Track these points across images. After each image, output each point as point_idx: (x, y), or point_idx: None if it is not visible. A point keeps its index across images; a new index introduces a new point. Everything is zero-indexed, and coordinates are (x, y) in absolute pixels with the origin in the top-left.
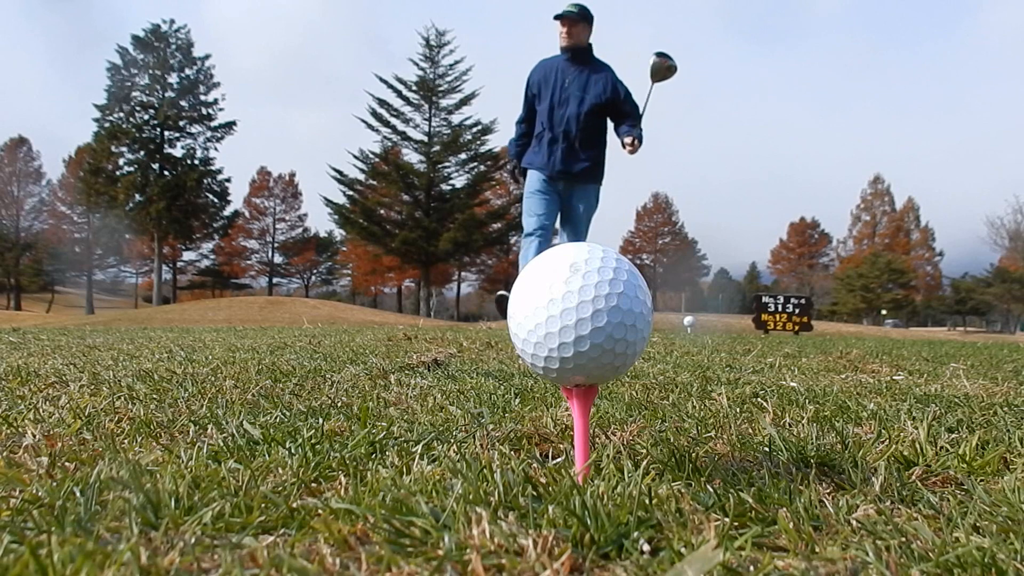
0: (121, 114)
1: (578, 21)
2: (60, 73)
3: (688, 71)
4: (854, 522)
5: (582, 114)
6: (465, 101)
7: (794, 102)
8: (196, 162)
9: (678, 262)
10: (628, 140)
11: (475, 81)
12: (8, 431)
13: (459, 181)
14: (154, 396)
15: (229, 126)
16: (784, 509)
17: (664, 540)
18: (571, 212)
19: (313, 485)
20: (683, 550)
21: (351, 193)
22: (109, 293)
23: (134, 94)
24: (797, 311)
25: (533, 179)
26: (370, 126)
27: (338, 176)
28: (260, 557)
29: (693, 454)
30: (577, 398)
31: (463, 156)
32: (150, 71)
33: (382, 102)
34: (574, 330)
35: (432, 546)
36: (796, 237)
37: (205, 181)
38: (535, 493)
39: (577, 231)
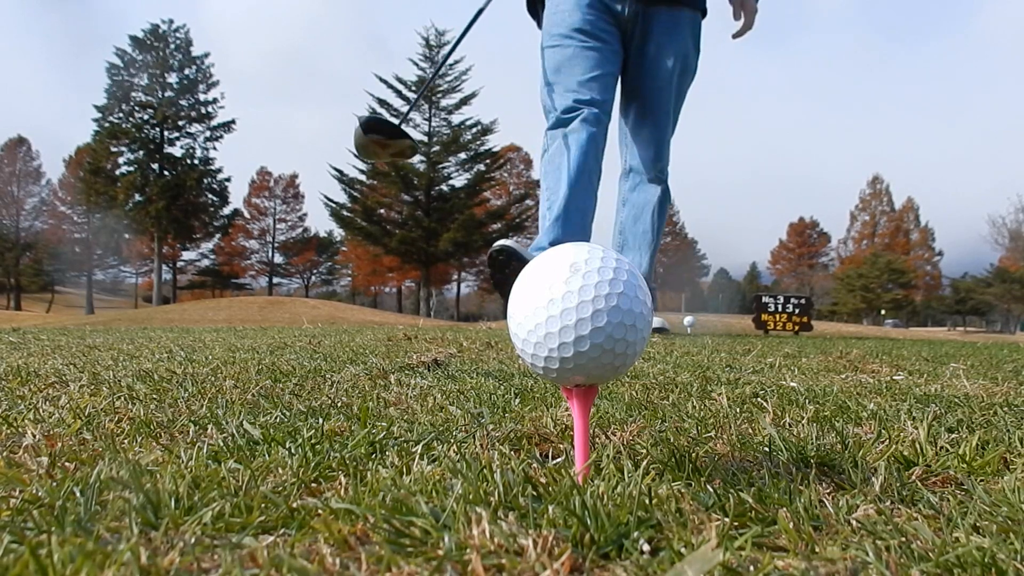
0: (121, 114)
1: None
2: (60, 73)
3: None
4: (854, 522)
5: None
6: (465, 101)
7: (794, 102)
8: (196, 162)
9: (678, 262)
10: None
11: (475, 81)
12: (8, 431)
13: (459, 181)
14: (154, 396)
15: (228, 125)
16: (784, 509)
17: (664, 540)
18: (648, 72)
19: (313, 485)
20: (683, 550)
21: (351, 193)
22: (109, 293)
23: (133, 94)
24: (797, 311)
25: (566, 6)
26: None
27: (338, 176)
28: (260, 557)
29: (693, 454)
30: (577, 398)
31: (463, 156)
32: (149, 71)
33: (382, 102)
34: (574, 330)
35: (432, 546)
36: (796, 237)
37: (205, 181)
38: (535, 493)
39: (656, 116)
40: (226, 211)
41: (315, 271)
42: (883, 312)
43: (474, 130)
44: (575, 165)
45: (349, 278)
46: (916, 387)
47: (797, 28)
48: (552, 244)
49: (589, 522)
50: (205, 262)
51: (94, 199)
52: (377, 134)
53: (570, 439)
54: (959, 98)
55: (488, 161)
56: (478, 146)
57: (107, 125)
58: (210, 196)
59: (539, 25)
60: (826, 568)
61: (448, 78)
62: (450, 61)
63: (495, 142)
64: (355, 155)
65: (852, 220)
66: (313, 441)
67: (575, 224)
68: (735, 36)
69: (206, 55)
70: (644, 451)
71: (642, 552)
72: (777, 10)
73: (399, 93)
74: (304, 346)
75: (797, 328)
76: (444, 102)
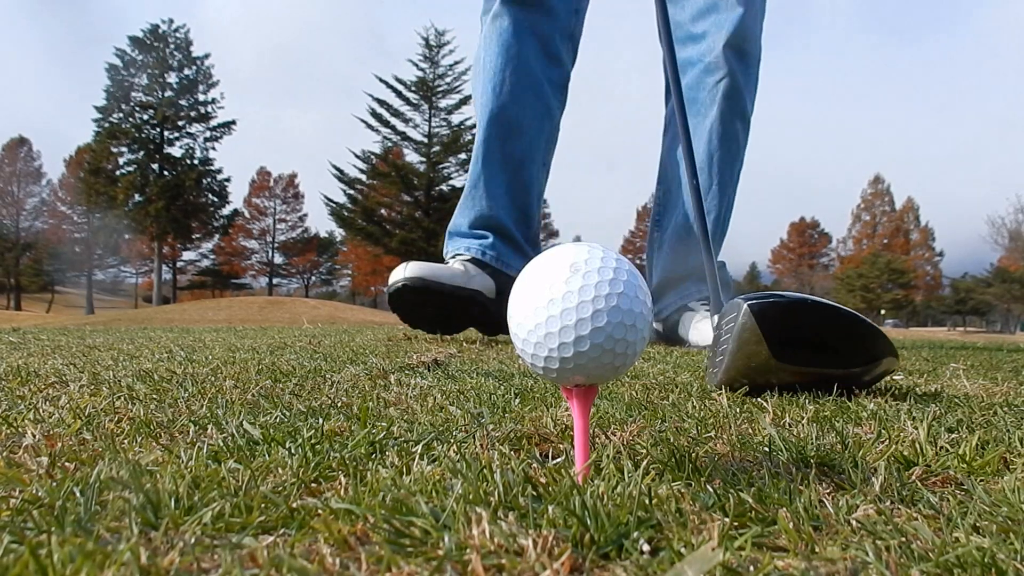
0: (120, 114)
1: None
2: (60, 73)
3: None
4: (854, 522)
5: None
6: (465, 101)
7: (794, 102)
8: (195, 162)
9: None
10: None
11: None
12: (8, 431)
13: (459, 181)
14: (154, 396)
15: (228, 125)
16: (784, 509)
17: (664, 540)
18: None
19: (313, 485)
20: (683, 550)
21: (351, 193)
22: (109, 293)
23: (133, 94)
24: None
25: None
26: (370, 126)
27: (338, 175)
28: (260, 557)
29: (693, 454)
30: (577, 398)
31: (463, 156)
32: (149, 71)
33: (382, 102)
34: (574, 330)
35: (432, 546)
36: (796, 237)
37: (204, 181)
38: (535, 493)
39: None
40: (226, 211)
41: (315, 271)
42: (883, 312)
43: (474, 131)
44: (498, 72)
45: (349, 278)
46: (916, 387)
47: (797, 27)
48: (472, 226)
49: (589, 522)
50: (205, 262)
51: (94, 199)
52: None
53: (570, 439)
54: (960, 98)
55: None
56: None
57: (107, 125)
58: (210, 196)
59: None
60: (826, 568)
61: (448, 78)
62: (451, 61)
63: None
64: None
65: (854, 220)
66: (313, 441)
67: (501, 192)
68: None
69: (206, 56)
70: (644, 451)
71: (642, 552)
72: (777, 9)
73: (398, 93)
74: (304, 346)
75: None
76: (444, 103)
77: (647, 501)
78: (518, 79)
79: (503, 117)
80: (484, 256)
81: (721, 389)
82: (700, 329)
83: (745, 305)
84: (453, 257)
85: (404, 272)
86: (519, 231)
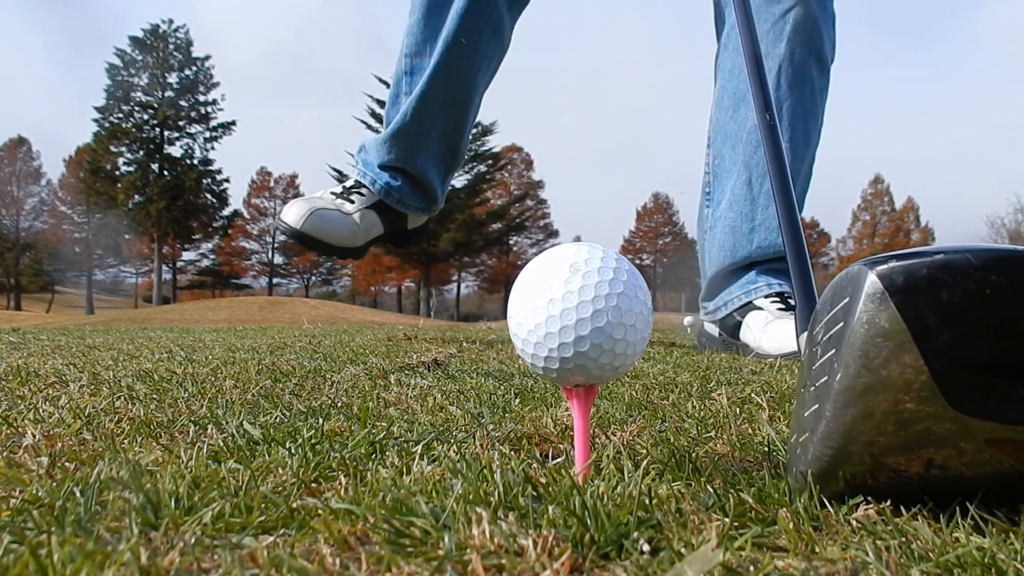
0: (121, 114)
1: None
2: (60, 73)
3: (687, 70)
4: (854, 522)
5: None
6: None
7: None
8: (195, 162)
9: (678, 262)
10: None
11: None
12: (8, 431)
13: (459, 181)
14: (154, 396)
15: (228, 126)
16: (784, 509)
17: (664, 540)
18: None
19: (313, 485)
20: (683, 550)
21: None
22: (109, 293)
23: (133, 94)
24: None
25: None
26: (370, 127)
27: (338, 177)
28: (260, 557)
29: (693, 454)
30: (577, 398)
31: None
32: (149, 71)
33: (381, 103)
34: (574, 330)
35: (432, 546)
36: None
37: (204, 181)
38: (535, 493)
39: None
40: (225, 211)
41: (315, 271)
42: None
43: (473, 131)
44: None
45: (349, 278)
46: None
47: None
48: (386, 166)
49: (589, 522)
50: (205, 262)
51: (94, 199)
52: None
53: (570, 439)
54: (960, 97)
55: (489, 161)
56: (478, 146)
57: (107, 125)
58: (209, 196)
59: None
60: (826, 568)
61: None
62: None
63: (495, 142)
64: None
65: (854, 220)
66: (313, 441)
67: (432, 139)
68: None
69: (206, 57)
70: (644, 451)
71: (642, 552)
72: None
73: None
74: (304, 346)
75: None
76: None
77: (647, 501)
78: (481, 24)
79: (454, 70)
80: (388, 198)
81: (818, 484)
82: (773, 333)
83: (871, 274)
84: (357, 186)
85: (297, 222)
86: (439, 171)
